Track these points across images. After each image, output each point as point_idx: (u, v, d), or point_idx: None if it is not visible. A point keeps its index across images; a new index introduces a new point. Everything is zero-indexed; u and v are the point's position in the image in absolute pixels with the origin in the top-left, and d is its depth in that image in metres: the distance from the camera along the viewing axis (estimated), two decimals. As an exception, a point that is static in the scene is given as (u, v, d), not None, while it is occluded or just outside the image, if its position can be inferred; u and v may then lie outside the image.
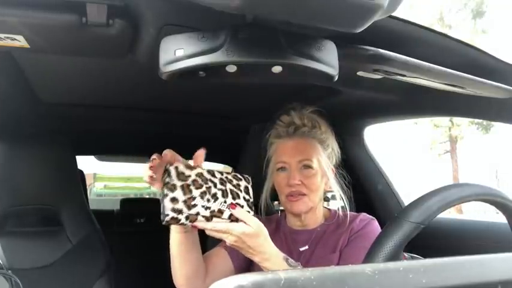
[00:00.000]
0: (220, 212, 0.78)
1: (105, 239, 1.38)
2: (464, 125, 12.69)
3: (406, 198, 1.60)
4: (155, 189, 0.93)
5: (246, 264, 0.98)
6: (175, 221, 0.75)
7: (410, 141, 14.34)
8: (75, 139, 1.39)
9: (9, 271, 1.11)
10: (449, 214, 1.92)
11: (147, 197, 5.10)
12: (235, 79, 0.69)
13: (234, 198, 0.81)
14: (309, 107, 1.07)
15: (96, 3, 0.63)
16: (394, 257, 0.56)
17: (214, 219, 0.78)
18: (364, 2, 0.48)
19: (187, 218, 0.76)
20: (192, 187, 0.77)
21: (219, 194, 0.79)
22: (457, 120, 12.34)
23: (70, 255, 1.26)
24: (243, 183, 0.84)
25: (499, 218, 0.92)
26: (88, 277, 1.25)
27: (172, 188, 0.75)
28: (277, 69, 0.67)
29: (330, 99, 1.22)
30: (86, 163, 2.87)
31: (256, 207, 0.96)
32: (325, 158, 1.03)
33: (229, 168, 2.57)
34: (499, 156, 13.29)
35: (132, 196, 5.72)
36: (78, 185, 1.41)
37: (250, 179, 0.86)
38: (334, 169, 1.06)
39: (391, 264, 0.41)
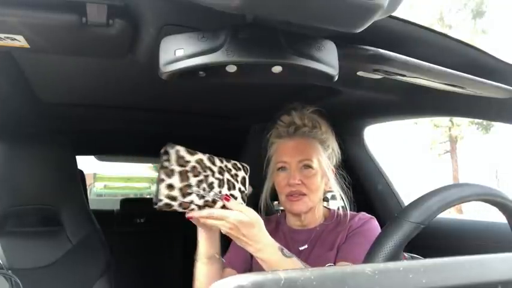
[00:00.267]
0: (214, 202, 0.78)
1: (105, 239, 1.38)
2: (464, 125, 12.69)
3: (406, 198, 1.60)
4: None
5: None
6: (168, 206, 0.74)
7: (410, 141, 14.35)
8: (75, 139, 1.39)
9: (9, 271, 1.11)
10: (449, 214, 1.92)
11: (147, 197, 5.11)
12: (235, 79, 0.69)
13: (229, 189, 0.81)
14: (309, 107, 1.07)
15: (96, 3, 0.63)
16: (394, 257, 0.56)
17: (207, 208, 0.78)
18: (364, 2, 0.48)
19: (180, 205, 0.75)
20: (190, 174, 0.75)
21: (216, 183, 0.79)
22: (457, 120, 12.33)
23: (70, 255, 1.26)
24: (241, 174, 0.84)
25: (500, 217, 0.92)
26: (88, 277, 1.25)
27: (170, 173, 0.74)
28: (277, 69, 0.67)
29: (330, 99, 1.21)
30: (86, 163, 2.88)
31: (256, 207, 0.96)
32: (325, 158, 1.03)
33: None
34: (499, 156, 13.29)
35: (132, 196, 5.73)
36: (78, 185, 1.41)
37: (248, 168, 0.86)
38: (334, 169, 1.06)
39: (391, 264, 0.41)
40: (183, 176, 0.75)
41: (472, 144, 13.55)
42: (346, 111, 1.41)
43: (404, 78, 0.84)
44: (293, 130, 1.03)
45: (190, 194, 0.76)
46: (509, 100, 0.94)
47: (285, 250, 0.84)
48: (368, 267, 0.38)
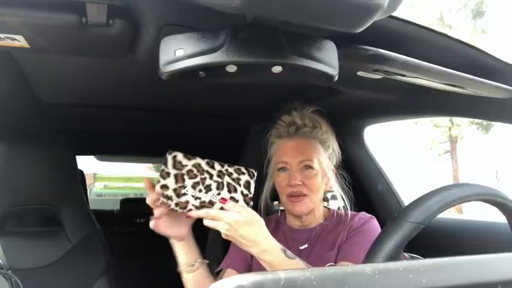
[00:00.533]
0: (211, 203, 0.81)
1: (105, 239, 1.38)
2: (464, 125, 12.68)
3: (406, 198, 1.60)
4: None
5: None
6: (166, 206, 0.80)
7: (410, 141, 14.35)
8: (75, 139, 1.39)
9: (9, 271, 1.11)
10: (449, 214, 1.92)
11: (147, 197, 5.09)
12: (235, 79, 0.69)
13: (229, 192, 0.82)
14: (309, 107, 1.07)
15: (96, 3, 0.63)
16: (394, 257, 0.56)
17: (204, 209, 0.81)
18: (364, 2, 0.48)
19: (177, 204, 0.80)
20: (185, 176, 0.80)
21: (214, 185, 0.81)
22: (457, 120, 12.33)
23: (70, 255, 1.26)
24: (244, 178, 0.85)
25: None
26: (88, 277, 1.25)
27: (166, 175, 0.79)
28: (277, 69, 0.67)
29: (330, 99, 1.21)
30: (86, 163, 2.88)
31: (256, 207, 0.96)
32: (325, 158, 1.03)
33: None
34: (499, 156, 13.29)
35: (132, 196, 5.71)
36: (78, 185, 1.41)
37: (255, 173, 0.86)
38: (334, 169, 1.06)
39: (391, 264, 0.41)
40: (178, 178, 0.80)
41: (472, 144, 13.56)
42: (346, 111, 1.41)
43: (404, 78, 0.84)
44: (294, 130, 1.03)
45: (185, 194, 0.80)
46: (509, 100, 0.94)
47: (288, 251, 0.84)
48: (368, 267, 0.38)
